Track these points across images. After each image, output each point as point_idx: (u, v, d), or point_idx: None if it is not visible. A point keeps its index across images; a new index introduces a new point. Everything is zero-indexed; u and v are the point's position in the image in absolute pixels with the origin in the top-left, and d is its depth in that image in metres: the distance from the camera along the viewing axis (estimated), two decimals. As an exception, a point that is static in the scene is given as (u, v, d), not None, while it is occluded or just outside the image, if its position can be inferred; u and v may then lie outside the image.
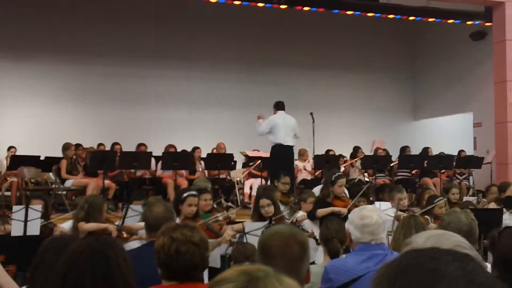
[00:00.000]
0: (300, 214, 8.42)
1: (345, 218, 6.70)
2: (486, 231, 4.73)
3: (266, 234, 2.94)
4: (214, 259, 6.51)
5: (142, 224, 7.05)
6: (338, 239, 5.07)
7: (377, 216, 4.01)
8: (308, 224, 8.05)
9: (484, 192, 12.46)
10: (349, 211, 6.83)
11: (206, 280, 4.58)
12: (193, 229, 3.29)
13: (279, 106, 12.32)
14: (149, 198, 8.34)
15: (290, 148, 12.03)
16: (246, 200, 13.25)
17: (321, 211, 7.89)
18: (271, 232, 2.94)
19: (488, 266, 3.63)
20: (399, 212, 7.76)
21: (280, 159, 11.89)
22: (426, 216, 8.09)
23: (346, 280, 3.84)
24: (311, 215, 8.01)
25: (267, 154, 12.89)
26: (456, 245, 1.73)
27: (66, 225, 7.26)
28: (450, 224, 4.42)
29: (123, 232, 6.99)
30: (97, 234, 6.86)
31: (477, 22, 16.42)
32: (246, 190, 13.59)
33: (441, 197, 8.97)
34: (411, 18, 16.21)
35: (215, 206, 9.02)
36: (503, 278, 2.92)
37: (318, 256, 6.54)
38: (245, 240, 6.62)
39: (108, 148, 13.83)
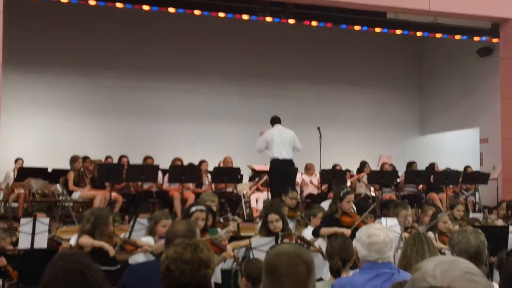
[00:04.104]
0: (309, 230, 8.40)
1: (352, 234, 6.70)
2: (493, 249, 4.71)
3: (272, 254, 2.93)
4: (215, 274, 6.50)
5: (147, 240, 7.08)
6: (339, 256, 5.08)
7: (384, 235, 4.01)
8: (319, 241, 8.04)
9: (493, 208, 12.44)
10: (357, 228, 6.81)
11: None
12: (187, 246, 3.26)
13: (274, 120, 12.36)
14: (155, 212, 8.36)
15: (287, 161, 12.00)
16: (256, 214, 13.22)
17: (324, 231, 7.87)
18: (276, 251, 2.93)
19: (495, 286, 3.64)
20: (405, 233, 7.70)
21: (278, 173, 11.90)
22: (430, 232, 8.08)
23: (352, 299, 3.85)
24: (316, 232, 8.01)
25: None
26: (466, 272, 1.72)
27: (73, 240, 7.27)
28: (458, 244, 4.40)
29: (128, 245, 7.00)
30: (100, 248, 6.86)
31: (484, 38, 16.45)
32: (254, 204, 13.58)
33: (443, 212, 8.97)
34: (419, 34, 16.27)
35: (221, 220, 9.03)
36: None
37: (325, 272, 6.53)
38: (251, 256, 6.62)
39: (115, 160, 13.84)
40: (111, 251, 6.78)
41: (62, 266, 2.50)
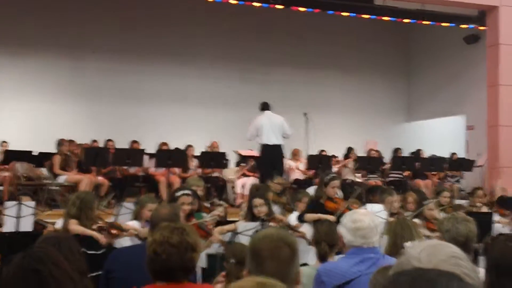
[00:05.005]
0: (295, 215, 8.41)
1: (337, 220, 6.70)
2: (477, 235, 4.72)
3: (256, 238, 2.98)
4: (201, 258, 6.51)
5: (133, 224, 7.09)
6: (326, 242, 5.09)
7: (369, 220, 4.03)
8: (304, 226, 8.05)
9: (470, 194, 12.46)
10: (341, 214, 6.82)
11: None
12: (174, 230, 3.27)
13: (264, 106, 12.42)
14: (141, 196, 8.34)
15: (276, 147, 12.07)
16: (239, 200, 13.24)
17: (308, 216, 7.88)
18: (260, 235, 2.97)
19: (481, 271, 3.66)
20: (390, 218, 7.70)
21: (268, 159, 11.95)
22: (416, 219, 8.10)
23: (338, 283, 3.86)
24: (300, 217, 8.02)
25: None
26: (451, 256, 1.74)
27: (58, 224, 7.26)
28: (447, 232, 4.41)
29: (113, 229, 7.00)
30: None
31: (471, 26, 16.49)
32: (239, 190, 13.59)
33: (430, 199, 9.00)
34: (406, 20, 16.27)
35: (208, 205, 9.03)
36: (495, 283, 2.96)
37: (310, 257, 6.55)
38: (237, 240, 6.63)
39: (101, 144, 13.79)
40: (102, 239, 6.79)
41: (16, 264, 2.48)
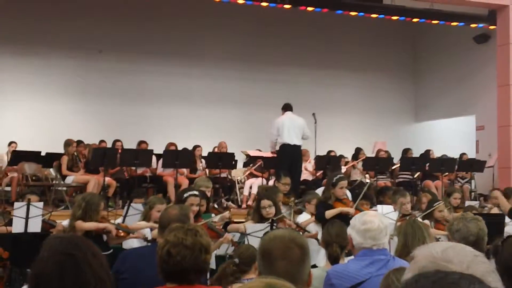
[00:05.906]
0: (304, 216, 8.38)
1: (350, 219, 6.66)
2: (488, 237, 4.69)
3: (266, 239, 2.96)
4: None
5: (142, 224, 7.07)
6: (338, 243, 5.05)
7: (379, 221, 3.99)
8: (313, 226, 8.01)
9: (486, 196, 12.41)
10: (351, 215, 6.78)
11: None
12: (188, 231, 3.25)
13: (286, 107, 12.43)
14: (150, 197, 8.32)
15: (296, 147, 12.08)
16: (245, 202, 13.20)
17: (329, 213, 7.84)
18: (271, 236, 2.96)
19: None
20: (400, 220, 7.65)
21: (286, 158, 11.94)
22: (426, 220, 8.05)
23: (348, 285, 3.83)
24: (320, 218, 7.93)
25: (269, 154, 12.93)
26: (475, 255, 1.71)
27: (66, 222, 7.26)
28: (458, 232, 4.37)
29: (120, 231, 6.98)
30: (94, 233, 6.84)
31: (481, 25, 16.41)
32: (246, 192, 13.54)
33: (440, 201, 8.94)
34: (415, 20, 16.20)
35: (215, 206, 9.00)
36: (506, 286, 2.92)
37: (320, 258, 6.51)
38: (246, 241, 6.60)
39: (109, 145, 13.77)
40: (113, 231, 6.80)
41: (53, 247, 2.47)
